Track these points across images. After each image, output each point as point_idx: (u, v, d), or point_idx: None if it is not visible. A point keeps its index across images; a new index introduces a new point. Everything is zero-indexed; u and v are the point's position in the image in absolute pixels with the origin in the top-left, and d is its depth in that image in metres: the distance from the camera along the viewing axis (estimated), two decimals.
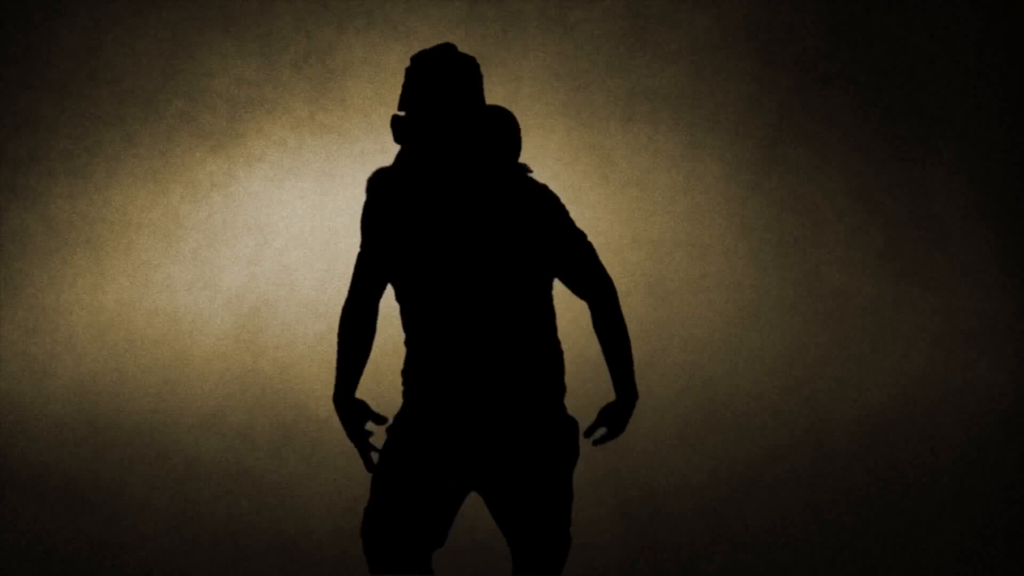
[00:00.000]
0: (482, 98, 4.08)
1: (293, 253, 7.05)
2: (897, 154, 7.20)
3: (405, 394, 4.12)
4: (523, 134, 7.06)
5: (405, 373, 4.13)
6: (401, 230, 4.05)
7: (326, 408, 6.97)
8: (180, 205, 7.04)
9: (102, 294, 7.01)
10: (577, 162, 7.06)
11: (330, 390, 6.99)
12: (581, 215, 7.03)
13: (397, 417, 4.13)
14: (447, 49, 4.05)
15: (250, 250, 7.03)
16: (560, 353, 4.12)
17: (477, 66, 4.06)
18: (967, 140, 7.19)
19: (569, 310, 7.05)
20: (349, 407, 4.12)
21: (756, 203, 7.15)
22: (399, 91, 7.11)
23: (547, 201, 4.09)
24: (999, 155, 7.19)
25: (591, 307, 4.16)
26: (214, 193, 7.06)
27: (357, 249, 7.04)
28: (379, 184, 4.09)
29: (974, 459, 6.93)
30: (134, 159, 7.06)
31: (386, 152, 7.07)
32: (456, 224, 4.03)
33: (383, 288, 4.14)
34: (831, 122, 7.18)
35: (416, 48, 7.08)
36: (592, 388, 7.02)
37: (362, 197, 7.09)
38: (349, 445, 6.95)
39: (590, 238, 7.12)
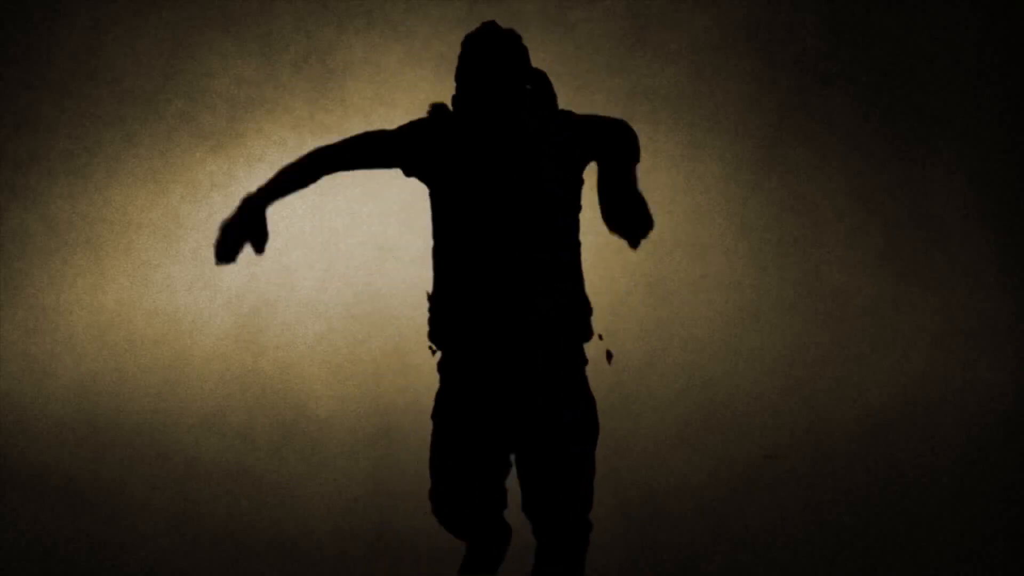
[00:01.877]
0: (526, 61, 4.20)
1: (293, 253, 7.05)
2: (897, 154, 7.19)
3: (432, 332, 4.18)
4: None
5: (434, 306, 4.19)
6: (448, 159, 4.13)
7: (326, 408, 6.97)
8: (180, 205, 7.04)
9: (102, 294, 7.00)
10: None
11: (331, 389, 6.99)
12: (581, 215, 7.03)
13: (439, 393, 4.21)
14: (490, 26, 4.17)
15: (249, 250, 7.03)
16: (585, 296, 4.21)
17: (519, 37, 4.20)
18: (967, 140, 7.18)
19: None
20: (259, 210, 4.13)
21: (756, 203, 7.14)
22: (399, 91, 7.10)
23: (596, 121, 4.23)
24: (999, 155, 7.19)
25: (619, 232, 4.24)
26: (214, 193, 7.06)
27: (358, 249, 7.03)
28: (440, 114, 4.19)
29: (974, 459, 6.93)
30: (134, 159, 7.06)
31: None
32: (500, 158, 4.12)
33: (351, 165, 4.17)
34: (831, 122, 7.17)
35: (416, 48, 7.08)
36: (591, 388, 7.01)
37: (363, 197, 7.08)
38: (349, 445, 6.94)
39: (591, 238, 7.12)
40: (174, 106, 7.05)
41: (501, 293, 4.09)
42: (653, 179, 7.09)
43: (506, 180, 4.11)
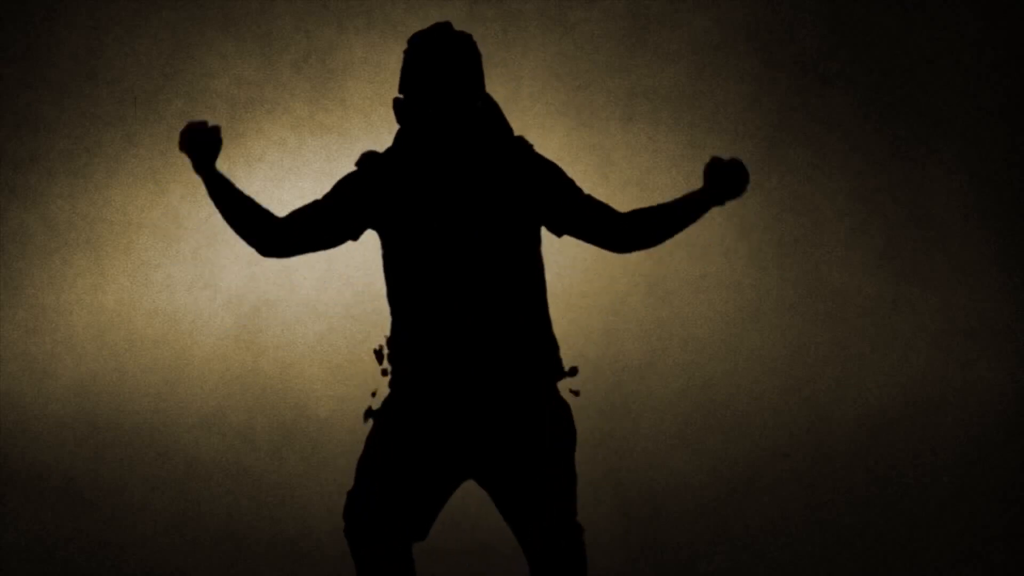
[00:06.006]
0: (481, 76, 4.02)
1: None
2: (897, 154, 7.20)
3: (393, 373, 4.04)
4: (523, 133, 7.06)
5: (392, 351, 4.03)
6: (394, 202, 3.99)
7: (326, 408, 6.98)
8: (180, 205, 7.04)
9: (102, 294, 7.01)
10: (577, 162, 7.06)
11: (331, 389, 6.99)
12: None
13: (386, 400, 4.06)
14: (444, 28, 3.99)
15: (250, 250, 7.04)
16: (552, 334, 4.04)
17: (474, 43, 4.00)
18: (967, 140, 7.19)
19: (569, 309, 7.06)
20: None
21: (756, 203, 7.15)
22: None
23: (550, 169, 4.04)
24: (999, 155, 7.19)
25: (628, 223, 4.03)
26: None
27: (358, 249, 7.04)
28: (372, 160, 4.05)
29: (974, 459, 6.93)
30: (134, 159, 7.06)
31: None
32: (451, 196, 3.97)
33: (300, 237, 4.01)
34: (831, 122, 7.18)
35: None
36: (591, 388, 7.02)
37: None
38: (349, 445, 6.95)
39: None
40: (174, 106, 7.05)
41: (460, 337, 3.96)
42: (653, 179, 7.09)
43: (460, 216, 3.95)
